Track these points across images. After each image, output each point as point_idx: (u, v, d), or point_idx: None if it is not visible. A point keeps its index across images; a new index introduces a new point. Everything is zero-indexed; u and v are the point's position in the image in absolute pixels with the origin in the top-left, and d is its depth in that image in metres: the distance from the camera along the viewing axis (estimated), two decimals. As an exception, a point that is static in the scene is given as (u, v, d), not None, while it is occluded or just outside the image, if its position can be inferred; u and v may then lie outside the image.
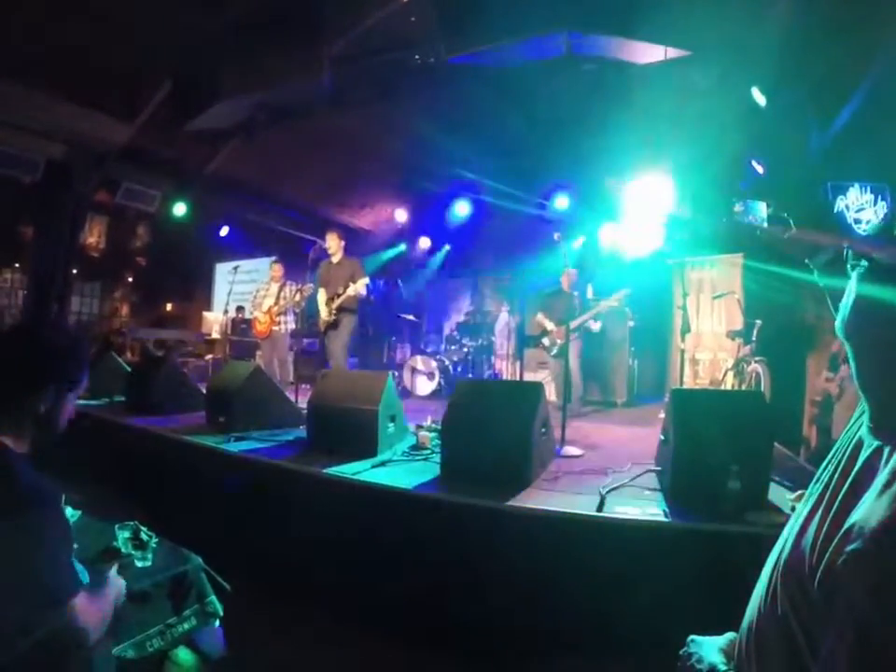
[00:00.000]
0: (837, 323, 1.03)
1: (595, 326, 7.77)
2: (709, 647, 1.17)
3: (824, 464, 1.09)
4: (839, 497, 0.93)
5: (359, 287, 7.24)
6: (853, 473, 0.94)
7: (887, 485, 0.83)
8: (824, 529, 0.90)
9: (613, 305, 7.78)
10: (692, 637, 1.24)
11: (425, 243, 12.65)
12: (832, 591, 0.82)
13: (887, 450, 0.90)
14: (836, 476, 0.98)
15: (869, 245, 1.14)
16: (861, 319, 0.96)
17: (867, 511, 0.82)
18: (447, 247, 12.68)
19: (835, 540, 0.85)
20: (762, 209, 1.47)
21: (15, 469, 1.61)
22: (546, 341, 7.91)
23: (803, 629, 0.87)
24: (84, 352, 1.90)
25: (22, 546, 1.52)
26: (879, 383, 0.96)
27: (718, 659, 1.12)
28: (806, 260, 1.36)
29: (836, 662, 0.77)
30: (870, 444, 0.95)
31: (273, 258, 9.53)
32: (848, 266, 1.00)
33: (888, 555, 0.76)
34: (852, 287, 0.99)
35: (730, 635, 1.17)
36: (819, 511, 0.96)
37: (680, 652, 1.21)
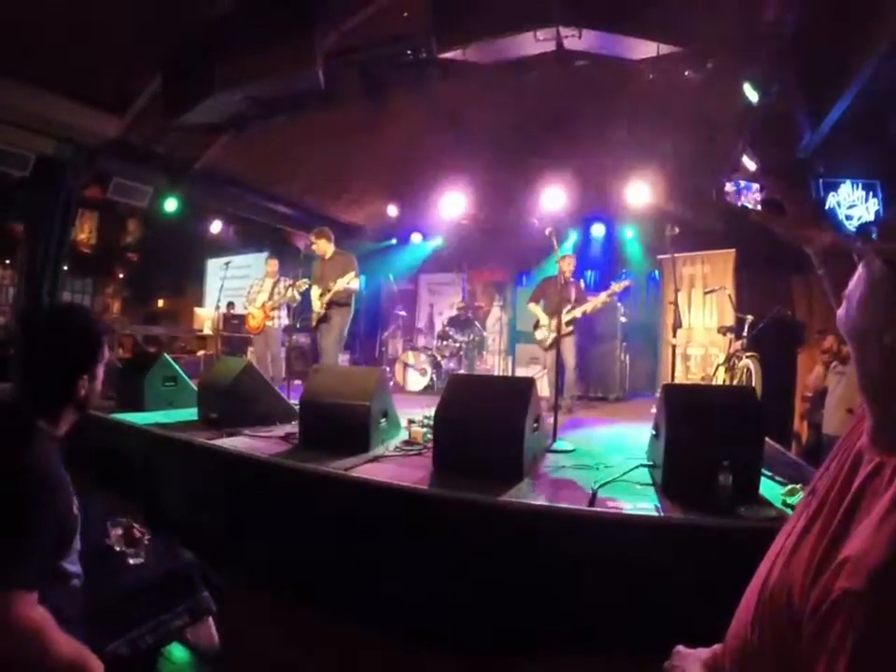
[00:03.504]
0: (840, 313, 0.98)
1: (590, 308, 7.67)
2: (693, 661, 1.17)
3: (820, 471, 1.06)
4: (835, 520, 0.89)
5: (349, 282, 7.20)
6: (851, 492, 0.90)
7: (887, 514, 0.79)
8: (818, 556, 0.88)
9: (616, 293, 7.73)
10: (677, 648, 1.24)
11: (416, 237, 12.64)
12: (822, 626, 0.79)
13: (889, 469, 0.86)
14: (833, 493, 0.95)
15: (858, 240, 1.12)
16: (870, 317, 0.90)
17: (864, 543, 0.79)
18: (439, 242, 12.67)
19: (828, 572, 0.82)
20: (755, 191, 1.45)
21: (35, 449, 1.63)
22: (538, 334, 7.88)
23: (789, 658, 0.86)
24: (100, 323, 1.92)
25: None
26: (885, 390, 0.91)
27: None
28: (806, 248, 1.34)
29: None
30: (870, 459, 0.91)
31: (268, 253, 9.53)
32: (855, 256, 0.95)
33: (882, 598, 0.73)
34: (862, 277, 0.92)
35: (715, 647, 1.17)
36: (814, 532, 0.93)
37: (664, 665, 1.21)
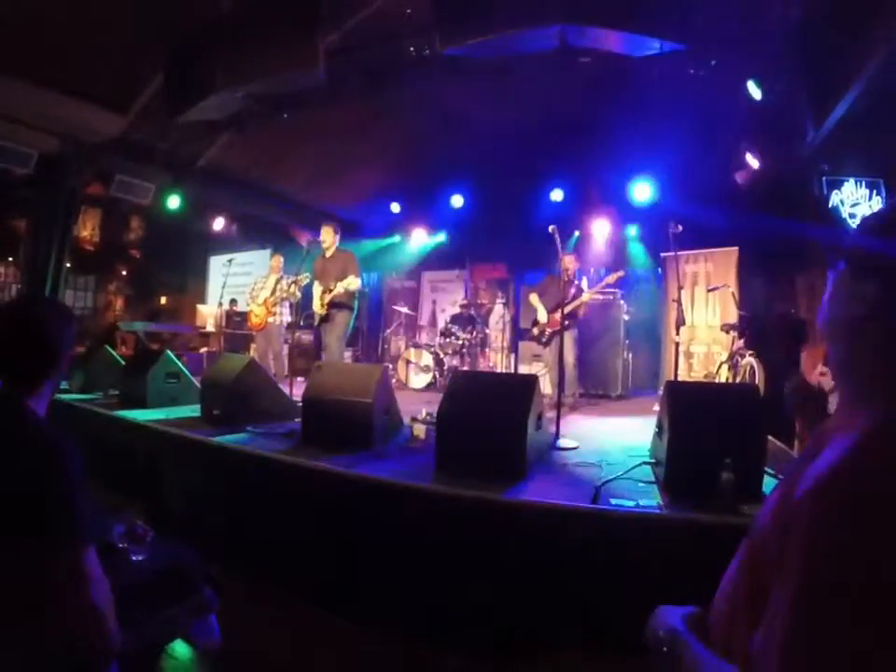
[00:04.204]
0: (818, 320, 1.09)
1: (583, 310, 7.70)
2: (672, 614, 1.22)
3: None
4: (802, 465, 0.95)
5: (350, 283, 7.18)
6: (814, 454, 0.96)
7: (838, 443, 0.83)
8: (784, 495, 0.92)
9: (610, 283, 7.73)
10: (659, 606, 1.30)
11: (419, 234, 12.64)
12: (782, 531, 0.83)
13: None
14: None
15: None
16: (837, 311, 1.01)
17: (821, 461, 0.83)
18: (442, 239, 12.67)
19: (790, 494, 0.86)
20: None
21: (39, 421, 1.71)
22: (535, 330, 7.87)
23: (764, 588, 0.88)
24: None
25: (44, 480, 1.55)
26: (852, 371, 1.00)
27: (678, 623, 1.17)
28: None
29: (781, 606, 0.77)
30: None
31: (271, 249, 9.54)
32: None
33: (836, 493, 0.77)
34: (831, 281, 1.04)
35: (692, 607, 1.24)
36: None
37: (648, 622, 1.26)
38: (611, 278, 7.64)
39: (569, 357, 7.51)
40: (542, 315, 7.72)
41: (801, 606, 0.75)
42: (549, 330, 7.52)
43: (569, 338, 7.51)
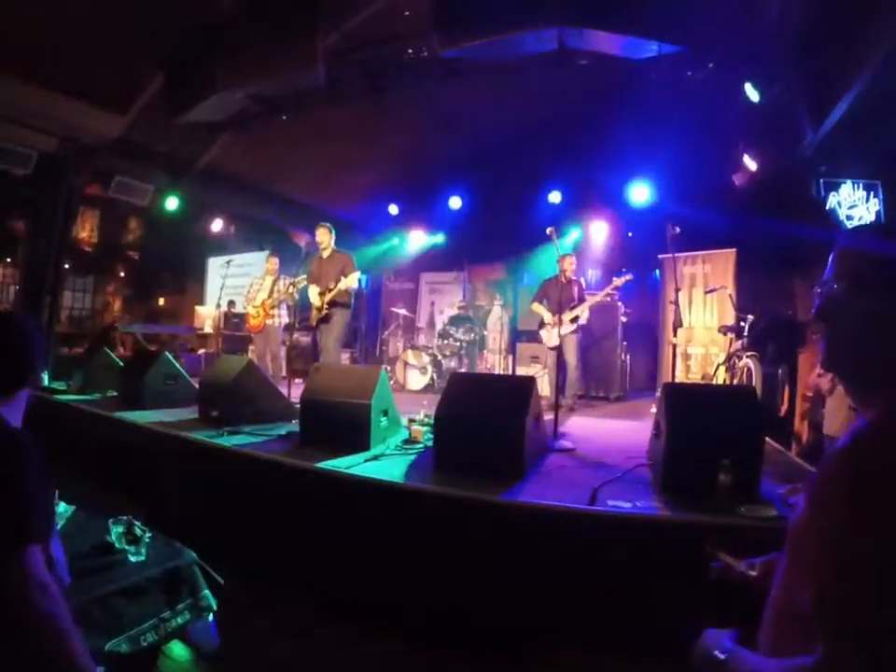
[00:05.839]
0: (823, 370, 1.19)
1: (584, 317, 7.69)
2: (721, 636, 1.23)
3: None
4: None
5: (351, 281, 7.16)
6: None
7: (861, 421, 0.96)
8: None
9: (618, 287, 7.72)
10: (706, 630, 1.29)
11: (417, 236, 12.65)
12: (822, 491, 0.95)
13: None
14: None
15: (860, 238, 1.20)
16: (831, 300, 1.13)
17: (849, 432, 0.94)
18: (440, 240, 12.68)
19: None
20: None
21: (7, 423, 1.67)
22: (543, 333, 7.86)
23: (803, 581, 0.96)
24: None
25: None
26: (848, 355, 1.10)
27: (729, 642, 1.19)
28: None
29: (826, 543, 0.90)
30: None
31: (268, 251, 9.52)
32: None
33: (841, 467, 0.91)
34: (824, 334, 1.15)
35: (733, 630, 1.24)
36: None
37: (696, 646, 1.26)
38: (619, 281, 7.63)
39: (572, 358, 7.51)
40: (548, 317, 7.68)
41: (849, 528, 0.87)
42: (556, 331, 7.47)
43: (573, 340, 7.51)
